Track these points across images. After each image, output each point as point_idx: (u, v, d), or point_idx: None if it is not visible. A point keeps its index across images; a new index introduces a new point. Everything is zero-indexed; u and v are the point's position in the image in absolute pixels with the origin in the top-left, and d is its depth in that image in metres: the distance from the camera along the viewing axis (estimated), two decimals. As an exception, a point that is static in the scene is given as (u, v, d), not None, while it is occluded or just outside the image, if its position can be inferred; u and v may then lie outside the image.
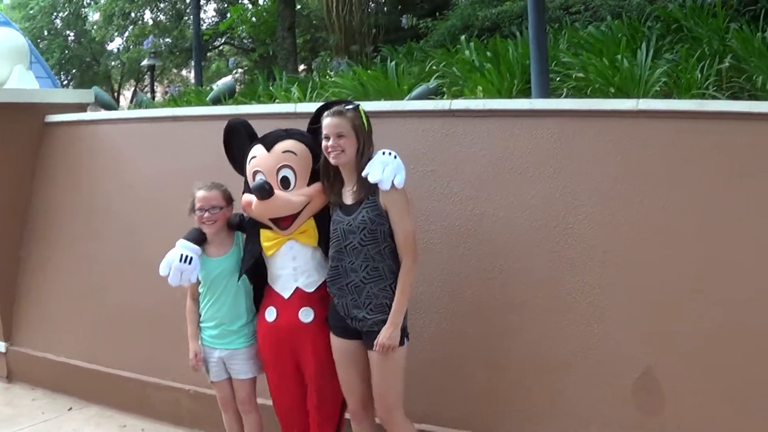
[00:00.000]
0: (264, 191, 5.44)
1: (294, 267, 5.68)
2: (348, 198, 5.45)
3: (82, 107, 9.69)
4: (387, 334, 5.28)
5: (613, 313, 5.71)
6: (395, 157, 5.40)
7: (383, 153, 5.39)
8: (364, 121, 5.42)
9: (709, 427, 5.40)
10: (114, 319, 8.24)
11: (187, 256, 5.82)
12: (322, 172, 5.57)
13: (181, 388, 7.56)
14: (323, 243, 5.64)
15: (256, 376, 6.12)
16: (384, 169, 5.28)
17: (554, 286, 5.88)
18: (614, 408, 5.69)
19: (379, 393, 5.51)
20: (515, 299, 6.00)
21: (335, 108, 5.44)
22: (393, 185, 5.29)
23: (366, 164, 5.34)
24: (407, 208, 5.39)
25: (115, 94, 37.61)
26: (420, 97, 7.59)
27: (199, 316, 6.06)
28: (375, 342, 5.30)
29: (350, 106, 5.46)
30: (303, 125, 5.99)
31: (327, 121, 5.35)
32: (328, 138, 5.32)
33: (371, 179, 5.26)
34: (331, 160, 5.37)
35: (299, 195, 5.58)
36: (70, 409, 8.29)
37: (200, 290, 6.03)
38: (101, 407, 8.20)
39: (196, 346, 6.07)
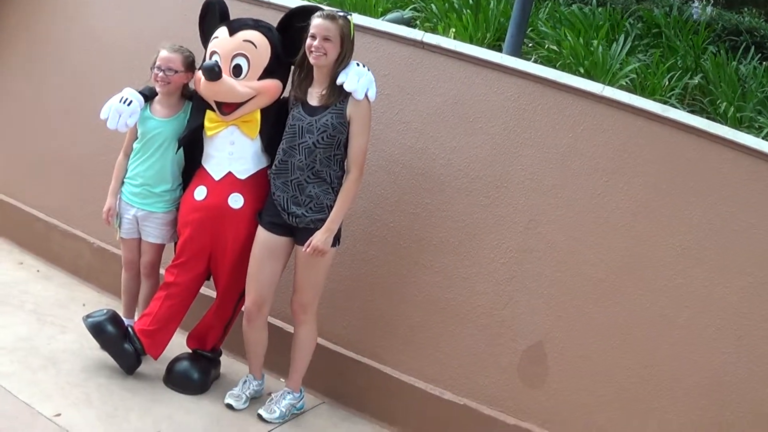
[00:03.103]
0: (212, 73, 5.44)
1: (231, 152, 5.70)
2: (314, 99, 5.46)
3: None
4: (322, 238, 5.36)
5: (524, 280, 5.80)
6: (368, 70, 5.45)
7: (357, 65, 5.44)
8: (352, 33, 5.43)
9: (580, 413, 5.59)
10: (39, 159, 8.15)
11: (127, 99, 5.80)
12: (296, 65, 5.58)
13: (85, 239, 7.54)
14: (264, 136, 5.67)
15: (165, 243, 6.16)
16: (359, 79, 5.33)
17: (475, 239, 5.95)
18: (499, 370, 5.81)
19: (299, 287, 5.62)
20: (434, 240, 6.06)
21: (329, 12, 5.43)
22: (365, 97, 5.35)
23: (340, 73, 5.37)
24: (369, 123, 5.46)
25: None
26: (393, 22, 7.57)
27: (126, 172, 6.06)
28: (307, 242, 5.38)
29: (342, 14, 5.47)
30: (273, 16, 6.00)
31: (317, 21, 5.33)
32: (314, 38, 5.31)
33: (347, 87, 5.30)
34: (311, 60, 5.37)
35: (246, 86, 5.57)
36: (-33, 236, 8.23)
37: (135, 146, 6.01)
38: (2, 240, 8.14)
39: (113, 202, 6.07)
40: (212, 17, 5.90)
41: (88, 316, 5.87)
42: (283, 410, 5.78)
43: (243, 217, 5.68)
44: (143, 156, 5.94)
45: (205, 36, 5.94)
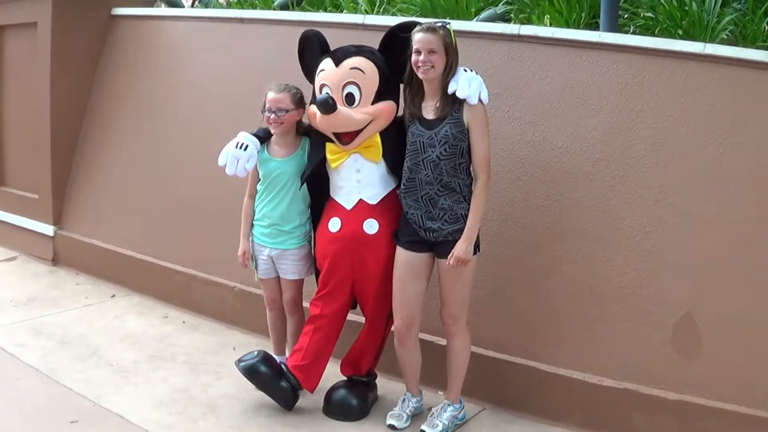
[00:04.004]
0: (327, 105, 5.47)
1: (358, 180, 5.73)
2: (429, 113, 5.47)
3: (149, 2, 9.76)
4: (463, 247, 5.35)
5: (661, 255, 5.73)
6: (476, 73, 5.45)
7: (465, 70, 5.43)
8: (453, 40, 5.43)
9: (740, 377, 5.47)
10: (167, 213, 8.37)
11: (242, 143, 5.88)
12: (406, 83, 5.59)
13: (226, 285, 7.69)
14: (387, 158, 5.70)
15: (304, 278, 6.23)
16: (470, 84, 5.33)
17: (606, 221, 5.91)
18: (653, 347, 5.74)
19: (447, 300, 5.62)
20: (566, 229, 6.04)
21: (428, 24, 5.43)
22: (479, 101, 5.36)
23: (450, 82, 5.37)
24: (487, 127, 5.45)
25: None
26: (487, 20, 7.58)
27: (254, 214, 6.15)
28: (450, 254, 5.38)
29: (440, 23, 5.47)
30: (370, 37, 6.03)
31: (419, 36, 5.34)
32: (419, 53, 5.32)
33: (460, 94, 5.29)
34: (420, 75, 5.38)
35: (362, 113, 5.59)
36: (113, 296, 8.47)
37: (258, 188, 6.10)
38: (144, 296, 8.40)
39: (246, 245, 6.19)
40: (312, 50, 5.95)
41: (240, 360, 5.96)
42: (446, 423, 5.76)
43: (380, 241, 5.71)
44: (268, 197, 6.02)
45: (308, 69, 6.00)
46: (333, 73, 5.67)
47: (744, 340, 5.46)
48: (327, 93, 5.61)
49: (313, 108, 5.68)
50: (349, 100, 5.61)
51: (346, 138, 5.63)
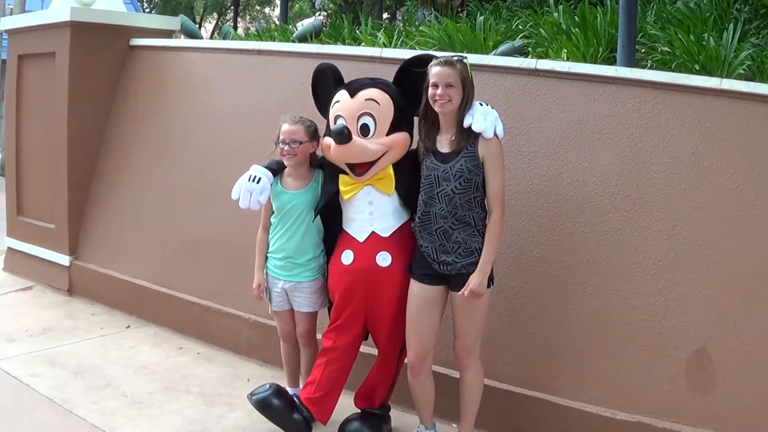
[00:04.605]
0: (342, 136, 5.50)
1: (370, 212, 5.74)
2: (444, 146, 5.48)
3: (167, 33, 9.83)
4: (477, 280, 5.34)
5: (677, 288, 5.71)
6: (492, 107, 5.47)
7: (480, 104, 5.44)
8: (470, 74, 5.45)
9: (754, 411, 5.43)
10: (182, 245, 8.41)
11: (255, 176, 5.92)
12: (421, 116, 5.60)
13: (241, 317, 7.70)
14: (401, 190, 5.70)
15: (318, 310, 6.23)
16: (485, 118, 5.34)
17: (621, 254, 5.90)
18: (667, 381, 5.70)
19: (461, 333, 5.60)
20: (582, 262, 6.03)
21: (445, 58, 5.45)
22: (494, 135, 5.37)
23: (466, 116, 5.39)
24: (502, 160, 5.45)
25: (197, 26, 37.72)
26: (505, 54, 7.61)
27: (268, 246, 6.17)
28: (464, 287, 5.37)
29: (457, 57, 5.49)
30: (387, 70, 6.05)
31: (436, 69, 5.36)
32: (436, 86, 5.34)
33: (475, 128, 5.31)
34: (437, 108, 5.40)
35: (377, 144, 5.62)
36: (129, 326, 8.50)
37: (272, 220, 6.12)
38: (160, 328, 8.42)
39: (261, 277, 6.20)
40: (326, 83, 6.00)
41: (252, 394, 5.97)
42: (459, 455, 5.76)
43: (393, 274, 5.70)
44: (282, 229, 6.05)
45: (320, 102, 6.06)
46: (348, 104, 5.70)
47: (758, 374, 5.43)
48: (342, 123, 5.63)
49: (328, 140, 5.71)
50: (364, 131, 5.64)
51: (360, 169, 5.64)
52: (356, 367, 6.02)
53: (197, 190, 8.34)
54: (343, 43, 9.52)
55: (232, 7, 30.92)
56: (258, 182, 5.90)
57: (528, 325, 6.23)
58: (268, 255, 6.18)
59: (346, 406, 6.11)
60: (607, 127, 6.00)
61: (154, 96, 9.06)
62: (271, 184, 5.99)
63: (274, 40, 10.06)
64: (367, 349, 6.23)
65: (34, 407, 6.40)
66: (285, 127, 5.93)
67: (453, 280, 5.49)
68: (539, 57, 7.50)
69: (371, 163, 5.63)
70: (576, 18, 8.53)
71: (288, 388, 6.28)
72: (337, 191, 5.80)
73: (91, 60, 9.18)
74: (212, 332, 7.95)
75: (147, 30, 9.60)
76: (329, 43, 9.33)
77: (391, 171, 5.67)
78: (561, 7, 9.08)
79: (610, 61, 7.49)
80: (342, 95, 5.77)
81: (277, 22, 16.14)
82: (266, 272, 6.20)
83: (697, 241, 5.66)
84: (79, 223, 9.48)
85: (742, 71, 6.83)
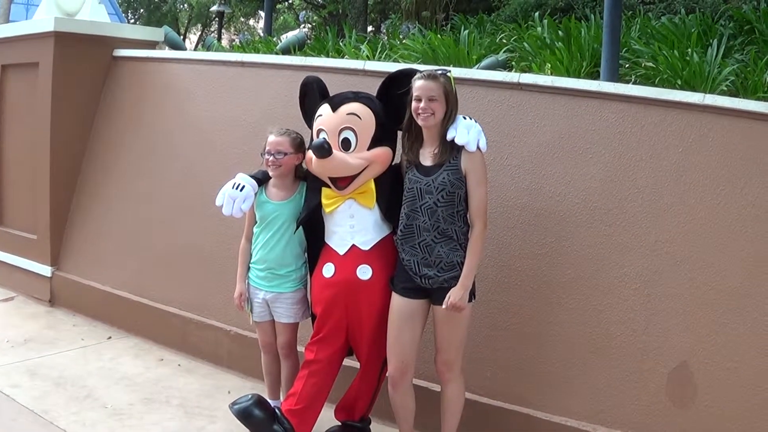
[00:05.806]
0: (323, 150, 5.50)
1: (351, 225, 5.74)
2: (427, 159, 5.49)
3: (150, 45, 9.82)
4: (458, 294, 5.33)
5: (658, 303, 5.73)
6: (475, 121, 5.48)
7: (464, 118, 5.46)
8: (453, 88, 5.46)
9: (735, 426, 5.44)
10: (164, 256, 8.39)
11: (239, 184, 5.93)
12: (404, 130, 5.61)
13: (222, 328, 7.68)
14: (382, 204, 5.70)
15: (299, 322, 6.22)
16: (468, 131, 5.36)
17: (603, 269, 5.91)
18: (648, 396, 5.72)
19: (442, 347, 5.60)
20: (562, 277, 6.04)
21: (429, 71, 5.47)
22: (477, 148, 5.38)
23: (449, 129, 5.40)
24: (485, 175, 5.46)
25: (181, 37, 37.73)
26: (489, 68, 7.63)
27: (251, 256, 6.16)
28: (445, 300, 5.36)
29: (441, 71, 5.50)
30: (370, 83, 6.07)
31: (420, 83, 5.38)
32: (419, 100, 5.36)
33: (458, 141, 5.32)
34: (420, 122, 5.41)
35: (357, 158, 5.62)
36: (110, 338, 8.46)
37: (255, 230, 6.13)
38: (141, 339, 8.38)
39: (243, 287, 6.20)
40: (312, 96, 6.01)
41: (234, 403, 5.94)
42: (440, 469, 5.75)
43: (374, 287, 5.70)
44: (264, 239, 6.05)
45: (308, 115, 6.05)
46: (330, 119, 5.72)
47: (739, 390, 5.45)
48: (324, 138, 5.63)
49: (310, 153, 5.70)
50: (345, 145, 5.65)
51: (341, 183, 5.64)
52: (338, 380, 6.01)
53: (179, 202, 8.33)
54: (327, 55, 9.53)
55: (217, 19, 30.89)
56: (241, 190, 5.92)
57: (509, 339, 6.22)
58: (250, 265, 6.18)
59: (327, 418, 6.10)
60: (590, 141, 6.01)
61: (138, 107, 9.04)
62: (256, 194, 6.00)
63: (259, 52, 10.06)
64: (350, 362, 6.21)
65: (14, 418, 6.37)
66: (271, 138, 5.94)
67: (435, 294, 5.49)
68: (523, 71, 7.52)
69: (353, 177, 5.63)
70: (560, 32, 8.57)
71: (269, 400, 6.23)
72: (320, 204, 5.80)
73: (74, 70, 9.15)
74: (193, 344, 7.92)
75: (131, 41, 9.57)
76: (313, 56, 9.33)
77: (372, 185, 5.67)
78: (545, 21, 9.12)
79: (594, 75, 7.52)
80: (324, 109, 5.79)
81: (262, 34, 16.16)
82: (248, 282, 6.19)
83: (679, 257, 5.68)
84: (61, 233, 9.44)
85: (726, 87, 6.86)
